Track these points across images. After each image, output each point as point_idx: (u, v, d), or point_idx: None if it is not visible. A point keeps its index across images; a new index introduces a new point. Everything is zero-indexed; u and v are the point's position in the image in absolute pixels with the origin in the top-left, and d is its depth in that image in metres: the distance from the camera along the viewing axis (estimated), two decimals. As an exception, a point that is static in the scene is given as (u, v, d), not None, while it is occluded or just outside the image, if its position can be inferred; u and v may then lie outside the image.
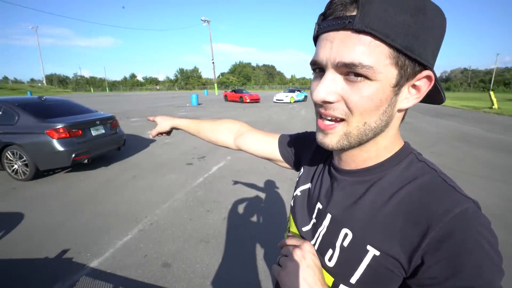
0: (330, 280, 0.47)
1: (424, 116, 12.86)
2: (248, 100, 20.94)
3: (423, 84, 0.40)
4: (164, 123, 0.95)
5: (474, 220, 0.35)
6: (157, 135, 0.98)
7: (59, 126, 3.99)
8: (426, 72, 0.38)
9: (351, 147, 0.44)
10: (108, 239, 2.52)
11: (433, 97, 0.44)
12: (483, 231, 0.35)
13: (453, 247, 0.35)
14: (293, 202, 0.62)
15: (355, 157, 0.47)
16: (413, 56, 0.36)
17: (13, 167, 4.05)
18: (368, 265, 0.42)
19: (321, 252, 0.49)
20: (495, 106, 17.20)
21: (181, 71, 79.76)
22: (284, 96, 21.96)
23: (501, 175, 4.46)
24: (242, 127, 0.85)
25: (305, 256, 0.46)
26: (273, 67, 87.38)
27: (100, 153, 4.71)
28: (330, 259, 0.47)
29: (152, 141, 6.80)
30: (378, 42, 0.35)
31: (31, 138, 3.96)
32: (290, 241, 0.51)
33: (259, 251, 2.37)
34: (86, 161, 4.30)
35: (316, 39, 0.42)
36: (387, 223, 0.41)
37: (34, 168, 3.99)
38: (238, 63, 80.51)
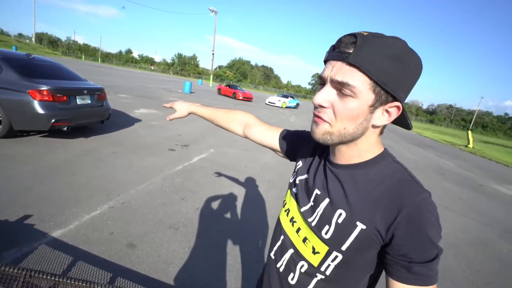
0: (325, 248, 0.60)
1: (407, 144, 13.38)
2: (240, 97, 20.91)
3: (393, 111, 0.55)
4: (183, 109, 1.08)
5: (429, 205, 0.52)
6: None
7: (44, 88, 3.84)
8: (396, 103, 0.54)
9: (334, 143, 0.59)
10: (75, 211, 2.47)
11: (402, 122, 0.60)
12: (433, 212, 0.52)
13: (417, 222, 0.51)
14: (296, 188, 0.74)
15: (343, 153, 0.62)
16: (387, 89, 0.51)
17: (-15, 122, 3.85)
18: (356, 237, 0.56)
19: (319, 227, 0.62)
20: (471, 145, 18.11)
21: (179, 56, 78.09)
22: (276, 99, 22.10)
23: (462, 208, 4.83)
24: (251, 120, 1.00)
25: None
26: (271, 69, 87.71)
27: (82, 123, 4.57)
28: (326, 233, 0.60)
29: (137, 120, 6.66)
30: (361, 73, 0.50)
31: (11, 94, 3.77)
32: None
33: (226, 246, 2.40)
34: (65, 128, 4.15)
35: (325, 62, 0.57)
36: (372, 206, 0.55)
37: (8, 126, 3.81)
38: (237, 59, 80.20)
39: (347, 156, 0.61)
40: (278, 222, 0.77)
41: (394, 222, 0.52)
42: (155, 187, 3.25)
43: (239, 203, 3.29)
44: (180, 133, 6.19)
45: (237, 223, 2.84)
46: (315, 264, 0.63)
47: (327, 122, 0.56)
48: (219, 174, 4.10)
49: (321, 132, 0.57)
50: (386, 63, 0.49)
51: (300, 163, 0.78)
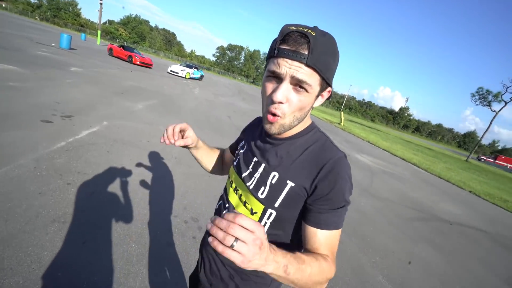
0: (261, 207, 0.70)
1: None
2: (138, 62, 18.34)
3: (326, 94, 0.67)
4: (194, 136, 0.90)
5: (343, 163, 0.65)
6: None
7: None
8: (329, 88, 0.66)
9: (285, 131, 0.67)
10: None
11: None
12: (346, 170, 0.65)
13: (332, 176, 0.63)
14: (236, 161, 0.84)
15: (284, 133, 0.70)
16: (328, 81, 0.62)
17: None
18: (287, 193, 0.67)
19: (256, 189, 0.72)
20: (342, 123, 22.58)
21: (49, -3, 59.89)
22: (180, 69, 20.62)
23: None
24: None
25: (263, 242, 0.46)
26: (173, 35, 79.96)
27: None
28: (262, 193, 0.71)
29: (-16, 79, 4.81)
30: (315, 72, 0.59)
31: None
32: (242, 221, 0.44)
33: (130, 234, 2.13)
34: None
35: (274, 57, 0.60)
36: (300, 166, 0.67)
37: None
38: (133, 15, 68.81)
39: (285, 133, 0.71)
40: (225, 194, 0.85)
41: (316, 177, 0.64)
42: (24, 172, 2.48)
43: (143, 184, 2.95)
44: (59, 100, 4.90)
45: (142, 206, 2.55)
46: None
47: (280, 116, 0.62)
48: (116, 152, 3.53)
49: (277, 127, 0.65)
50: (329, 60, 0.59)
51: (242, 143, 0.89)
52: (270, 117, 0.63)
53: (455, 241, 4.33)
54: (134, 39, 63.95)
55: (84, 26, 61.71)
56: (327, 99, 0.70)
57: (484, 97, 33.18)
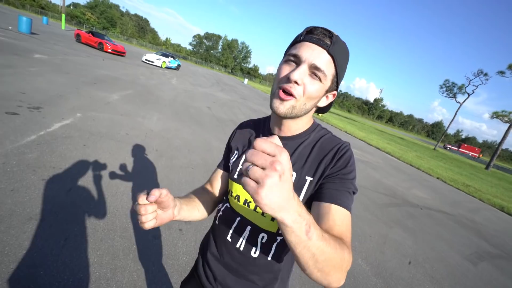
0: None
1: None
2: (109, 50, 17.36)
3: (331, 97, 0.71)
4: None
5: (349, 150, 0.69)
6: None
7: None
8: (335, 91, 0.71)
9: (291, 117, 0.67)
10: None
11: (326, 109, 0.76)
12: (352, 155, 0.69)
13: (343, 156, 0.67)
14: (238, 171, 0.79)
15: (290, 127, 0.73)
16: (338, 80, 0.67)
17: None
18: (307, 188, 0.67)
19: None
20: (321, 114, 23.07)
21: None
22: (155, 58, 19.82)
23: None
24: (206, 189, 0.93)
25: (284, 171, 0.38)
26: (146, 21, 76.26)
27: None
28: None
29: None
30: (332, 64, 0.63)
31: None
32: (262, 144, 0.39)
33: (115, 228, 2.08)
34: None
35: (298, 42, 0.65)
36: (313, 161, 0.69)
37: None
38: (101, -1, 64.41)
39: (292, 129, 0.74)
40: (226, 210, 0.81)
41: (328, 160, 0.67)
42: (-8, 167, 2.32)
43: (125, 178, 2.87)
44: (24, 90, 4.54)
45: (125, 200, 2.48)
46: (274, 230, 0.71)
47: (294, 98, 0.63)
48: (93, 146, 3.37)
49: (287, 107, 0.64)
50: (343, 61, 0.65)
51: (236, 154, 0.84)
52: (282, 94, 0.63)
53: (424, 223, 4.68)
54: (104, 24, 60.09)
55: (45, 8, 56.84)
56: (330, 103, 0.73)
57: (450, 89, 35.43)
